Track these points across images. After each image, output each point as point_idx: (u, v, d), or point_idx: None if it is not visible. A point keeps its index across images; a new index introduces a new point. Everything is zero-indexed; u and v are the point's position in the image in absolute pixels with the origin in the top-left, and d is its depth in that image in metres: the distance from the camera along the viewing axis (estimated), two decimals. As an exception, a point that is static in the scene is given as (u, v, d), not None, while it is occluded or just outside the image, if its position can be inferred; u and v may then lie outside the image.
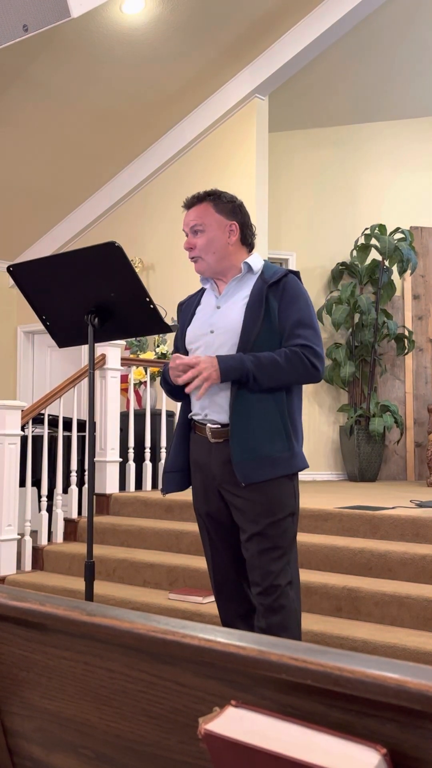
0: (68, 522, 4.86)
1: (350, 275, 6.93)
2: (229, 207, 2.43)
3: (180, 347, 2.54)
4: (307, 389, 6.66)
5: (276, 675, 0.74)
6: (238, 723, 0.75)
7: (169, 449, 2.51)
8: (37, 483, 4.99)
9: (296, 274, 2.43)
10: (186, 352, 2.49)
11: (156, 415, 5.67)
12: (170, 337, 6.26)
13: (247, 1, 5.46)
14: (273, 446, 2.29)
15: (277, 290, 2.35)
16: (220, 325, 2.38)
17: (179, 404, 2.57)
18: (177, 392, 2.50)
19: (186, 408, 2.49)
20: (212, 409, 2.36)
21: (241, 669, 0.79)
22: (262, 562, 2.28)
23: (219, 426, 2.35)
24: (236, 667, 0.78)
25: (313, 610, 3.37)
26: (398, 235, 6.69)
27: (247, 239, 2.46)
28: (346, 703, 0.72)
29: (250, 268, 2.42)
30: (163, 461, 5.39)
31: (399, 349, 6.75)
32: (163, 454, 5.42)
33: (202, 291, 2.57)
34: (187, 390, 2.30)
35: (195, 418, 2.43)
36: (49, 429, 4.99)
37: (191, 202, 2.44)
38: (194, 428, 2.45)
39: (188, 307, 2.56)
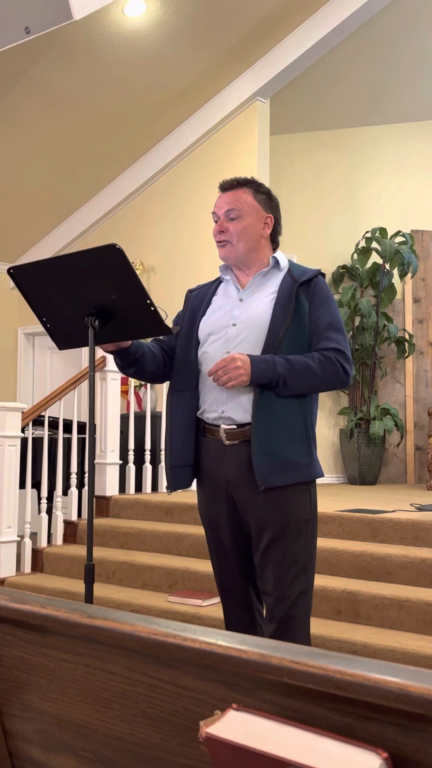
0: (68, 524, 4.85)
1: (351, 278, 6.94)
2: (267, 199, 2.37)
3: (184, 333, 2.42)
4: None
5: (277, 678, 0.74)
6: (239, 726, 0.75)
7: (170, 444, 2.38)
8: (37, 485, 4.99)
9: (323, 275, 2.37)
10: (197, 343, 2.38)
11: (156, 417, 5.67)
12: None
13: (249, 4, 5.47)
14: (294, 451, 2.20)
15: (308, 290, 2.28)
16: (243, 318, 2.29)
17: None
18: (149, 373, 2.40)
19: (191, 404, 2.35)
20: (231, 406, 2.24)
21: (242, 672, 0.79)
22: (276, 571, 2.20)
23: (235, 427, 2.24)
24: (237, 670, 0.78)
25: (313, 613, 3.36)
26: (399, 239, 6.69)
27: (276, 237, 2.41)
28: (347, 707, 0.72)
29: (277, 264, 2.35)
30: (163, 463, 5.39)
31: (399, 353, 6.75)
32: (163, 456, 5.41)
33: (216, 283, 2.48)
34: (215, 381, 2.19)
35: (207, 417, 2.30)
36: (49, 431, 4.99)
37: (230, 185, 2.36)
38: (204, 430, 2.33)
39: (200, 296, 2.47)
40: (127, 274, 2.48)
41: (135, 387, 5.98)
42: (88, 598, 2.67)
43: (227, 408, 2.26)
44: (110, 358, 5.05)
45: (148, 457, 5.33)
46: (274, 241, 2.41)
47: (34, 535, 6.13)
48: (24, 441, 4.82)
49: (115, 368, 5.08)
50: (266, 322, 2.25)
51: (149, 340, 2.55)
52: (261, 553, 2.24)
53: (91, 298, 2.57)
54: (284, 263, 2.37)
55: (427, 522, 3.65)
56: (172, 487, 2.37)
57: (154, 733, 0.89)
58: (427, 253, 7.10)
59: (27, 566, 4.60)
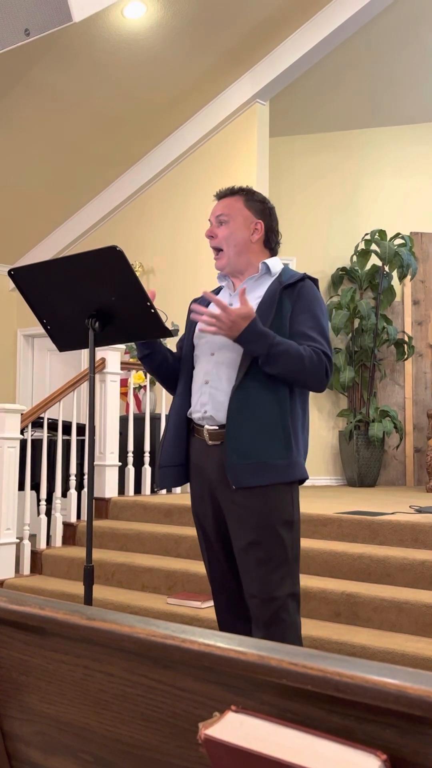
0: (67, 526, 4.85)
1: (350, 280, 6.94)
2: (259, 206, 2.42)
3: (185, 344, 2.48)
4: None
5: (276, 680, 0.74)
6: (237, 728, 0.75)
7: (162, 444, 2.43)
8: (36, 487, 4.99)
9: (314, 281, 2.39)
10: (192, 347, 2.44)
11: (155, 419, 5.67)
12: (171, 341, 6.26)
13: (249, 6, 5.48)
14: (269, 451, 2.20)
15: (292, 293, 2.31)
16: None
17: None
18: (164, 376, 2.46)
19: (182, 405, 2.40)
20: (212, 406, 2.29)
21: (241, 674, 0.79)
22: (259, 573, 2.20)
23: (217, 427, 2.28)
24: (236, 671, 0.78)
25: (312, 615, 3.36)
26: (398, 241, 6.70)
27: (270, 243, 2.45)
28: (346, 709, 0.72)
29: (268, 270, 2.39)
30: (162, 465, 5.38)
31: (399, 355, 6.76)
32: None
33: (217, 290, 2.55)
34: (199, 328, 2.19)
35: (194, 416, 2.36)
36: (48, 433, 4.99)
37: (223, 194, 2.44)
38: (193, 430, 2.38)
39: (200, 304, 2.52)
40: (127, 276, 2.48)
41: (134, 389, 5.98)
42: (87, 599, 2.67)
43: (208, 408, 2.30)
44: (110, 360, 5.05)
45: (147, 458, 5.33)
46: (270, 248, 2.45)
47: (33, 537, 6.13)
48: (23, 443, 4.82)
49: (115, 370, 5.09)
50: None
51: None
52: (241, 554, 2.24)
53: (91, 300, 2.57)
54: (276, 269, 2.40)
55: (427, 524, 3.65)
56: (159, 485, 2.42)
57: (152, 734, 0.89)
58: (427, 256, 7.11)
59: (26, 568, 4.60)
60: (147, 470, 5.31)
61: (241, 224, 2.38)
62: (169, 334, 2.53)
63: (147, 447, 5.35)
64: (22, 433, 4.56)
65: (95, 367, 4.81)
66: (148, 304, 2.48)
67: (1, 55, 5.09)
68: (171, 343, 6.28)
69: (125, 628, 0.88)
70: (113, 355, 5.09)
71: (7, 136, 6.07)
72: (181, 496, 5.24)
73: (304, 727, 0.73)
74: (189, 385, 2.41)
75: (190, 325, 2.49)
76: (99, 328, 2.60)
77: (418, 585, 3.37)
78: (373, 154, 7.18)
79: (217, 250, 2.41)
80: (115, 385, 5.11)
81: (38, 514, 4.73)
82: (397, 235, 6.64)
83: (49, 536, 4.83)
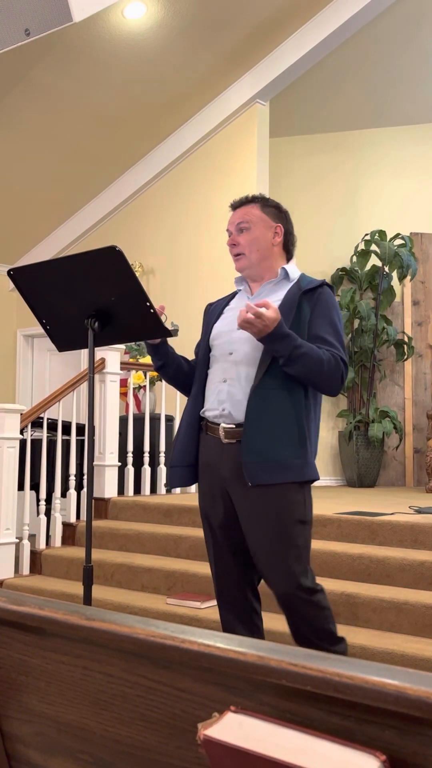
0: (66, 526, 4.85)
1: (350, 281, 6.94)
2: (275, 211, 2.49)
3: (202, 347, 2.52)
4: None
5: (275, 680, 0.74)
6: (237, 729, 0.75)
7: (174, 445, 2.47)
8: (35, 487, 4.99)
9: (331, 288, 2.45)
10: (208, 348, 2.48)
11: (155, 419, 5.67)
12: (170, 341, 6.25)
13: (249, 6, 5.48)
14: (284, 451, 2.25)
15: (311, 298, 2.37)
16: None
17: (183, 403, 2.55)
18: (180, 381, 2.50)
19: (195, 404, 2.44)
20: (231, 404, 2.33)
21: (240, 674, 0.78)
22: (275, 570, 2.26)
23: (233, 426, 2.32)
24: (236, 672, 0.78)
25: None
26: (398, 241, 6.70)
27: (288, 246, 2.52)
28: (346, 710, 0.72)
29: (287, 275, 2.45)
30: (162, 465, 5.39)
31: (398, 355, 6.76)
32: (162, 458, 5.41)
33: (232, 295, 2.59)
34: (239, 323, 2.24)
35: (208, 415, 2.39)
36: (48, 433, 4.99)
37: (239, 203, 2.50)
38: (206, 428, 2.41)
39: (216, 308, 2.59)
40: (127, 276, 2.48)
41: (134, 389, 5.98)
42: (87, 600, 2.67)
43: (227, 406, 2.33)
44: (109, 360, 5.05)
45: (146, 459, 5.33)
46: (288, 250, 2.53)
47: (32, 537, 6.13)
48: (23, 443, 4.82)
49: (114, 370, 5.09)
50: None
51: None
52: (256, 552, 2.29)
53: (90, 300, 2.57)
54: (294, 275, 2.46)
55: (426, 525, 3.65)
56: (170, 484, 2.47)
57: (152, 735, 0.89)
58: (427, 256, 7.11)
59: (25, 568, 4.60)
60: (146, 470, 5.31)
61: (262, 229, 2.45)
62: (169, 334, 2.53)
63: (146, 447, 5.34)
64: (21, 433, 4.56)
65: (95, 367, 4.82)
66: (148, 304, 2.48)
67: (1, 55, 5.09)
68: (173, 342, 6.28)
69: (125, 628, 0.88)
70: (113, 355, 5.09)
71: (7, 136, 6.07)
72: (180, 496, 5.24)
73: (304, 727, 0.73)
74: (202, 386, 2.45)
75: (206, 327, 2.54)
76: (98, 328, 2.60)
77: (418, 585, 3.37)
78: (374, 155, 7.18)
79: (237, 255, 2.46)
80: (114, 385, 5.11)
81: (38, 514, 4.73)
82: (397, 236, 6.64)
83: (48, 536, 4.83)
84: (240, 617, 2.41)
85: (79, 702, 0.97)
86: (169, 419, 5.86)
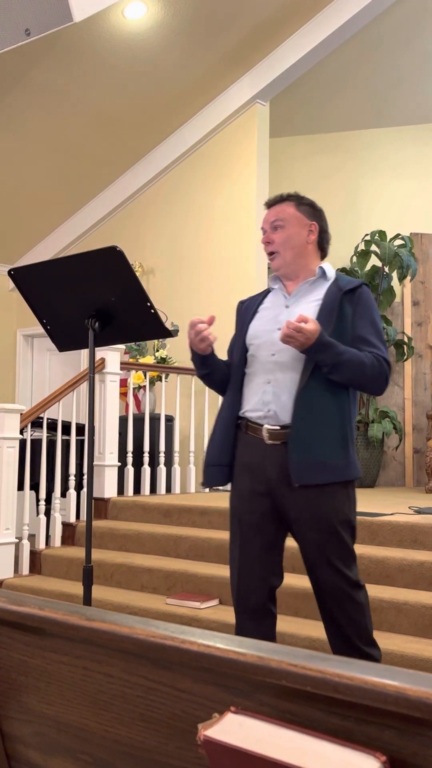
0: (66, 526, 4.85)
1: (350, 281, 6.93)
2: (310, 209, 2.49)
3: (236, 345, 2.52)
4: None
5: (275, 681, 0.74)
6: (237, 729, 0.75)
7: (209, 444, 2.48)
8: (35, 487, 4.99)
9: (368, 287, 2.49)
10: (245, 349, 2.47)
11: (155, 419, 5.67)
12: (170, 341, 6.26)
13: (249, 6, 5.48)
14: (329, 451, 2.28)
15: (352, 298, 2.38)
16: None
17: (210, 403, 2.54)
18: (213, 379, 2.50)
19: (233, 404, 2.44)
20: (276, 405, 2.34)
21: (240, 675, 0.78)
22: (323, 568, 2.30)
23: (278, 427, 2.33)
24: (235, 672, 0.78)
25: (311, 616, 3.36)
26: (398, 242, 6.70)
27: (322, 244, 2.52)
28: (346, 710, 0.72)
29: (324, 274, 2.45)
30: (161, 465, 5.39)
31: (398, 356, 6.76)
32: (162, 459, 5.42)
33: (265, 293, 2.58)
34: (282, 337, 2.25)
35: (250, 415, 2.39)
36: (47, 433, 4.99)
37: (273, 201, 2.51)
38: (246, 428, 2.40)
39: (250, 306, 2.57)
40: (128, 276, 2.49)
41: (134, 389, 5.98)
42: (87, 600, 2.67)
43: (272, 407, 2.35)
44: (109, 360, 5.06)
45: (146, 459, 5.33)
46: (322, 248, 2.53)
47: (32, 537, 6.12)
48: (23, 443, 4.81)
49: (114, 370, 5.09)
50: None
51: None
52: (305, 546, 2.33)
53: (91, 300, 2.58)
54: (331, 273, 2.47)
55: (426, 525, 3.65)
56: (206, 484, 2.47)
57: (152, 735, 0.89)
58: (426, 256, 7.11)
59: (25, 568, 4.60)
60: (146, 470, 5.31)
61: (297, 227, 2.45)
62: (169, 334, 2.53)
63: (146, 447, 5.35)
64: (21, 433, 4.56)
65: (95, 367, 4.81)
66: (148, 304, 2.48)
67: (2, 55, 5.09)
68: (173, 342, 6.28)
69: (125, 628, 0.88)
70: (113, 355, 5.09)
71: (7, 136, 6.07)
72: (180, 496, 5.24)
73: (304, 728, 0.73)
74: (240, 387, 2.45)
75: (241, 326, 2.53)
76: (99, 328, 2.60)
77: (417, 586, 3.37)
78: (374, 155, 7.19)
79: (272, 253, 2.46)
80: (114, 385, 5.11)
81: (37, 514, 4.73)
82: (397, 236, 6.64)
83: (48, 536, 4.83)
84: (256, 619, 2.39)
85: (79, 702, 0.97)
86: (169, 419, 5.86)
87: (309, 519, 2.29)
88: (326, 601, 2.33)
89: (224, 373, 2.50)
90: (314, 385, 2.30)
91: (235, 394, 2.44)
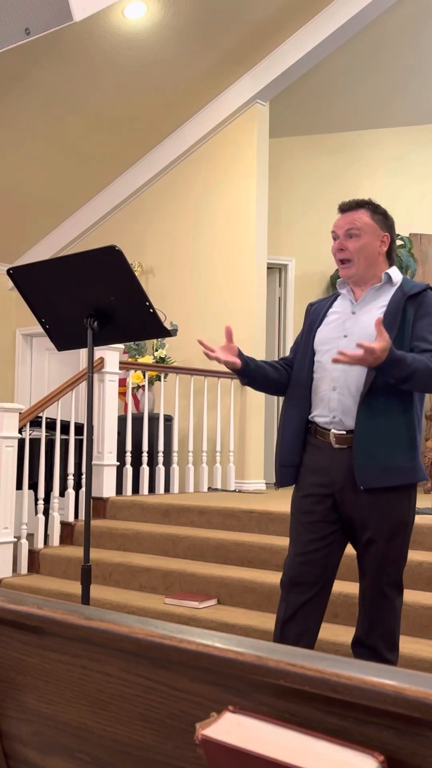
0: (65, 525, 4.85)
1: (349, 281, 6.93)
2: (383, 219, 2.50)
3: (302, 346, 2.54)
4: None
5: (274, 681, 0.74)
6: (235, 728, 0.75)
7: (280, 445, 2.52)
8: (34, 486, 4.98)
9: None
10: (312, 353, 2.49)
11: (153, 419, 5.67)
12: (169, 341, 6.26)
13: (250, 6, 5.48)
14: (395, 455, 2.31)
15: (415, 302, 2.39)
16: (354, 331, 2.41)
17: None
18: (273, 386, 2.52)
19: (302, 409, 2.47)
20: (341, 411, 2.37)
21: (238, 674, 0.79)
22: (373, 567, 2.34)
23: (344, 432, 2.37)
24: (234, 672, 0.78)
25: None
26: (398, 242, 6.70)
27: (391, 253, 2.53)
28: (344, 710, 0.72)
29: (390, 279, 2.46)
30: (160, 465, 5.39)
31: (397, 356, 6.75)
32: (161, 458, 5.42)
33: (334, 296, 2.60)
34: (334, 360, 2.24)
35: (318, 420, 2.44)
36: (46, 432, 4.99)
37: (349, 206, 2.51)
38: (314, 432, 2.45)
39: (318, 309, 2.59)
40: (127, 275, 2.49)
41: (133, 388, 5.98)
42: (85, 599, 2.67)
43: (337, 413, 2.39)
44: (108, 359, 5.05)
45: (145, 458, 5.33)
46: (390, 257, 2.53)
47: (30, 536, 6.12)
48: (21, 442, 4.81)
49: (113, 369, 5.09)
50: (374, 334, 2.31)
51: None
52: (362, 547, 2.38)
53: (90, 300, 2.58)
54: (397, 278, 2.48)
55: (424, 525, 3.66)
56: (280, 483, 2.52)
57: (150, 735, 0.89)
58: (426, 257, 7.11)
59: (23, 567, 4.60)
60: (145, 470, 5.31)
61: (371, 237, 2.46)
62: (168, 333, 2.53)
63: (145, 447, 5.34)
64: (20, 432, 4.56)
65: (94, 367, 4.81)
66: (147, 303, 2.48)
67: (1, 55, 5.08)
68: (172, 342, 6.28)
69: (123, 628, 0.88)
70: (112, 355, 5.09)
71: (6, 135, 6.07)
72: (178, 496, 5.24)
73: (302, 728, 0.73)
74: (308, 391, 2.48)
75: (309, 330, 2.54)
76: (98, 327, 2.60)
77: (416, 586, 3.37)
78: (374, 156, 7.19)
79: (344, 261, 2.47)
80: (113, 385, 5.11)
81: (36, 513, 4.73)
82: (396, 237, 6.64)
83: (46, 535, 4.83)
84: (309, 613, 2.42)
85: (77, 701, 0.97)
86: (168, 419, 5.86)
87: (371, 521, 2.33)
88: (370, 600, 2.37)
89: (268, 377, 2.52)
90: (378, 390, 2.32)
91: (303, 399, 2.48)
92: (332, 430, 2.40)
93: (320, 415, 2.43)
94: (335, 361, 2.21)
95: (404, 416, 2.34)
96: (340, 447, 2.38)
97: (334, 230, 2.50)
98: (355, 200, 2.52)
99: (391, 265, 2.53)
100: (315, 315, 2.58)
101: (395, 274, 2.49)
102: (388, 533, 2.33)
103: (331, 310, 2.54)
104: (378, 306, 2.42)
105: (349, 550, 2.45)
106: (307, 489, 2.45)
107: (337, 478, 2.38)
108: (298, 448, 2.48)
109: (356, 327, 2.41)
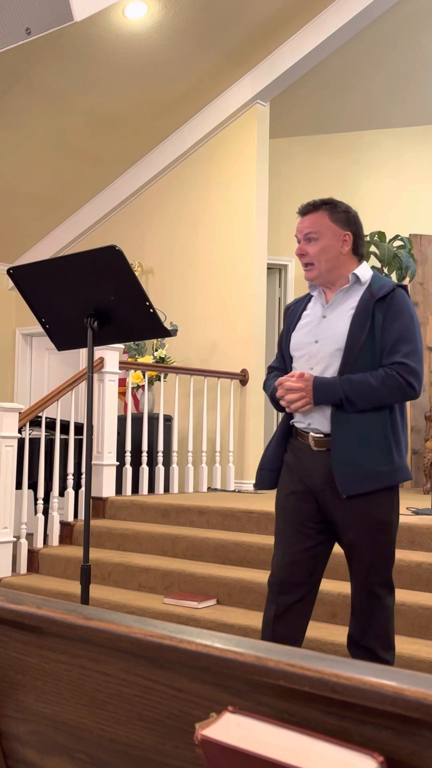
0: (64, 525, 4.85)
1: (349, 282, 6.93)
2: (344, 217, 2.45)
3: (284, 348, 2.57)
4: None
5: (273, 681, 0.74)
6: (234, 729, 0.75)
7: (267, 448, 2.55)
8: (33, 486, 4.98)
9: (404, 288, 2.44)
10: (290, 358, 2.52)
11: (153, 419, 5.67)
12: (168, 341, 6.26)
13: (250, 6, 5.48)
14: (373, 459, 2.31)
15: (383, 305, 2.37)
16: (324, 336, 2.41)
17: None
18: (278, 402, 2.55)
19: (287, 413, 2.51)
20: (315, 418, 2.39)
21: (238, 675, 0.78)
22: (360, 569, 2.34)
23: (321, 435, 2.38)
24: (233, 672, 0.78)
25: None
26: (397, 243, 6.70)
27: (358, 249, 2.49)
28: (343, 710, 0.72)
29: (357, 279, 2.43)
30: (159, 465, 5.39)
31: (397, 357, 6.75)
32: (161, 458, 5.42)
33: (309, 296, 2.59)
34: (288, 410, 2.40)
35: (297, 425, 2.46)
36: (46, 432, 4.99)
37: (306, 209, 2.47)
38: (296, 434, 2.47)
39: (294, 312, 2.59)
40: (127, 275, 2.49)
41: (132, 388, 5.98)
42: (84, 599, 2.67)
43: (312, 420, 2.40)
44: (108, 359, 5.05)
45: (144, 458, 5.33)
46: (359, 254, 2.50)
47: (30, 536, 6.12)
48: (21, 442, 4.81)
49: (113, 369, 5.09)
50: (344, 339, 2.36)
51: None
52: (347, 548, 2.38)
53: (90, 300, 2.57)
54: (365, 277, 2.45)
55: (423, 526, 3.66)
56: (259, 486, 2.55)
57: (149, 735, 0.89)
58: (426, 258, 7.11)
59: (23, 567, 4.60)
60: (144, 470, 5.31)
61: (330, 238, 2.42)
62: (168, 333, 2.53)
63: (145, 447, 5.34)
64: (20, 432, 4.56)
65: (93, 367, 4.82)
66: (147, 303, 2.48)
67: (1, 55, 5.08)
68: (172, 342, 6.28)
69: (122, 628, 0.87)
70: (112, 355, 5.09)
71: (6, 135, 6.07)
72: (177, 496, 5.24)
73: (301, 728, 0.73)
74: None
75: (287, 333, 2.56)
76: (98, 327, 2.60)
77: (415, 587, 3.37)
78: (374, 156, 7.19)
79: (307, 264, 2.46)
80: (113, 385, 5.11)
81: (35, 513, 4.73)
82: (396, 237, 6.65)
83: (46, 535, 4.83)
84: (297, 604, 2.41)
85: (76, 701, 0.97)
86: (167, 419, 5.86)
87: (353, 524, 2.33)
88: (361, 601, 2.37)
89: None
90: None
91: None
92: (310, 433, 2.41)
93: (298, 420, 2.45)
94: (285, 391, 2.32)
95: (380, 419, 2.33)
96: (319, 450, 2.39)
97: (296, 234, 2.48)
98: (314, 202, 2.48)
99: (360, 260, 2.49)
100: (291, 317, 2.58)
101: (363, 273, 2.45)
102: (371, 534, 2.33)
103: (304, 313, 2.54)
104: (348, 308, 2.41)
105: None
106: (290, 487, 2.46)
107: (318, 480, 2.38)
108: (280, 452, 2.51)
109: (327, 332, 2.41)
